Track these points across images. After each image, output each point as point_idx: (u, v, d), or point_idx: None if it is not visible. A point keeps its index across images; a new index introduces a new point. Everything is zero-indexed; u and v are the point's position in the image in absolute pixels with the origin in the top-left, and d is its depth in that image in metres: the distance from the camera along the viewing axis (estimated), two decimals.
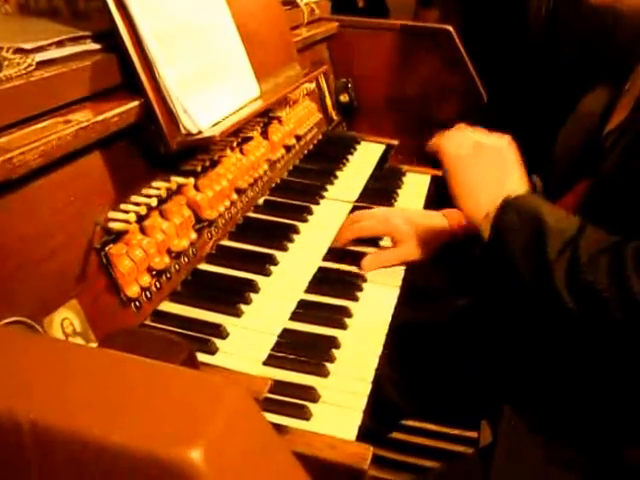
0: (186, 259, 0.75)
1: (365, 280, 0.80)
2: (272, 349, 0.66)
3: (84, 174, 0.63)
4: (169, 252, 0.71)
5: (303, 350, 0.65)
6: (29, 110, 0.57)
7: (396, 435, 1.18)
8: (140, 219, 0.67)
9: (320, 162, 1.12)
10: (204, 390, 0.31)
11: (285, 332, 0.69)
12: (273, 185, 1.00)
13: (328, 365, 0.63)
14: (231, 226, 0.87)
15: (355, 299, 0.76)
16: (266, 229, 0.89)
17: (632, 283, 0.54)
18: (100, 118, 0.62)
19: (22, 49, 0.61)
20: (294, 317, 0.72)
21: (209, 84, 0.79)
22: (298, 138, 1.09)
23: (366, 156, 1.21)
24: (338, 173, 1.10)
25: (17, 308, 0.52)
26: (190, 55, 0.77)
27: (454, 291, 0.99)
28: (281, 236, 0.87)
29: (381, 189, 1.08)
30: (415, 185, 1.14)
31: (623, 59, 0.78)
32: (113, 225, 0.64)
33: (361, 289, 0.78)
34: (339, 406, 0.59)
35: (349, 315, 0.72)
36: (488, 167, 0.70)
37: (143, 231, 0.68)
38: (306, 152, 1.14)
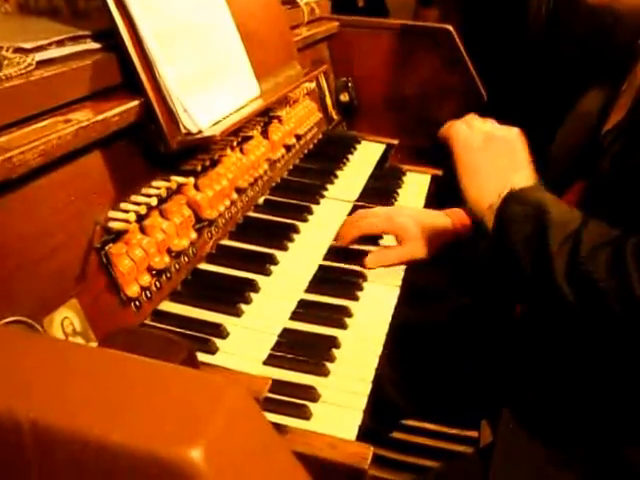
0: (186, 259, 0.75)
1: (365, 280, 0.80)
2: (272, 349, 0.66)
3: (84, 173, 0.63)
4: (169, 252, 0.70)
5: (303, 350, 0.65)
6: (29, 109, 0.57)
7: (396, 435, 1.18)
8: (140, 218, 0.67)
9: (320, 161, 1.12)
10: (204, 389, 0.31)
11: (285, 332, 0.69)
12: (273, 185, 1.00)
13: (328, 365, 0.63)
14: (231, 226, 0.87)
15: (355, 299, 0.76)
16: (266, 229, 0.89)
17: (632, 279, 0.54)
18: (100, 117, 0.62)
19: (22, 48, 0.61)
20: (294, 317, 0.72)
21: (209, 83, 0.79)
22: (298, 137, 1.09)
23: (366, 155, 1.21)
24: (338, 172, 1.10)
25: (17, 308, 0.52)
26: (190, 54, 0.77)
27: (454, 291, 0.99)
28: (281, 236, 0.87)
29: (381, 189, 1.08)
30: (415, 185, 1.14)
31: (621, 59, 0.78)
32: (113, 224, 0.64)
33: (361, 289, 0.78)
34: (339, 406, 0.59)
35: (349, 315, 0.72)
36: (496, 158, 0.70)
37: (143, 231, 0.68)
38: (306, 151, 1.14)
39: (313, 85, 1.22)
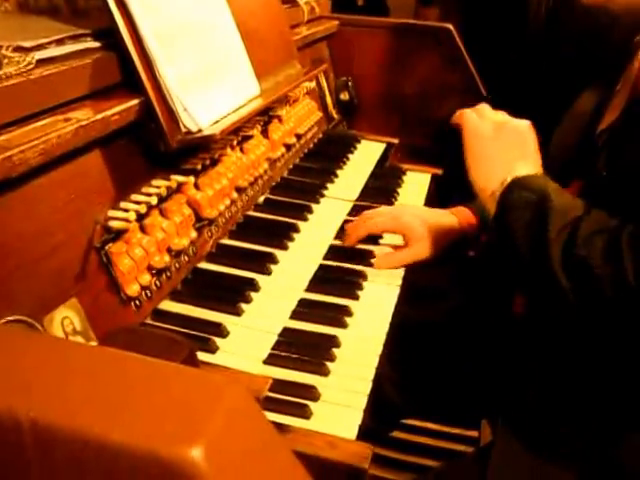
0: (186, 258, 0.75)
1: (366, 279, 0.80)
2: (272, 348, 0.66)
3: (84, 172, 0.63)
4: (169, 251, 0.70)
5: (303, 349, 0.65)
6: (29, 108, 0.57)
7: (397, 434, 1.18)
8: (140, 218, 0.67)
9: (320, 161, 1.12)
10: (204, 388, 0.31)
11: (285, 331, 0.69)
12: (273, 184, 1.00)
13: (328, 364, 0.63)
14: (231, 225, 0.87)
15: (356, 298, 0.76)
16: (266, 228, 0.89)
17: (626, 268, 0.54)
18: (100, 116, 0.62)
19: (22, 47, 0.61)
20: (294, 316, 0.72)
21: (209, 82, 0.79)
22: (298, 137, 1.09)
23: (366, 155, 1.21)
24: (338, 172, 1.10)
25: (17, 307, 0.52)
26: (190, 53, 0.76)
27: (454, 291, 0.99)
28: (281, 235, 0.86)
29: (381, 188, 1.08)
30: (415, 184, 1.14)
31: (617, 58, 0.79)
32: (113, 224, 0.64)
33: (362, 288, 0.78)
34: (339, 405, 0.59)
35: (349, 314, 0.72)
36: (505, 147, 0.70)
37: (143, 230, 0.68)
38: (306, 151, 1.14)
39: (313, 84, 1.22)
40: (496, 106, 0.77)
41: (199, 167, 0.78)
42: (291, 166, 1.07)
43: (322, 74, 1.28)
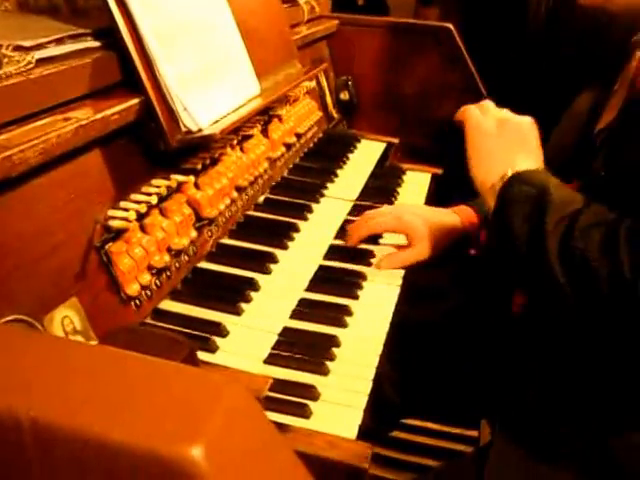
0: (186, 257, 0.75)
1: (365, 279, 0.80)
2: (272, 347, 0.65)
3: (84, 172, 0.63)
4: (169, 250, 0.70)
5: (303, 348, 0.65)
6: (29, 108, 0.57)
7: (397, 434, 1.18)
8: (140, 217, 0.67)
9: (320, 160, 1.12)
10: (205, 388, 0.31)
11: (285, 330, 0.69)
12: (273, 183, 1.00)
13: (328, 363, 0.63)
14: (231, 224, 0.87)
15: (355, 297, 0.76)
16: (266, 227, 0.89)
17: (623, 262, 0.54)
18: (100, 116, 0.62)
19: (22, 46, 0.61)
20: (294, 315, 0.72)
21: (209, 82, 0.79)
22: (298, 136, 1.09)
23: (366, 154, 1.21)
24: (338, 171, 1.10)
25: (17, 306, 0.52)
26: (190, 53, 0.76)
27: (454, 291, 0.99)
28: (281, 234, 0.86)
29: (381, 187, 1.08)
30: (415, 183, 1.13)
31: (615, 58, 0.79)
32: (113, 223, 0.63)
33: (361, 287, 0.78)
34: (339, 404, 0.59)
35: (349, 314, 0.72)
36: (507, 141, 0.70)
37: (143, 229, 0.68)
38: (306, 150, 1.14)
39: (313, 84, 1.22)
40: (497, 105, 0.78)
41: (199, 166, 0.78)
42: (291, 166, 1.07)
43: (322, 73, 1.28)
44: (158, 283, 0.69)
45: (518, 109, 0.76)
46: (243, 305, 0.72)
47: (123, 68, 0.69)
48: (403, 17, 1.45)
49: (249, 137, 0.93)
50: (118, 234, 0.64)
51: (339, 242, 0.88)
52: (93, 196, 0.64)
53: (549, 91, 1.41)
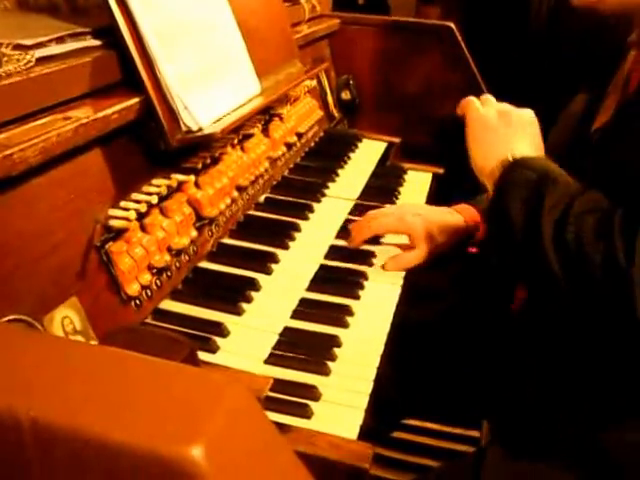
0: (187, 257, 0.74)
1: (367, 278, 0.80)
2: (273, 347, 0.65)
3: (84, 171, 0.63)
4: (169, 250, 0.70)
5: (304, 348, 0.65)
6: (28, 107, 0.57)
7: (398, 434, 1.17)
8: (140, 217, 0.67)
9: (321, 160, 1.12)
10: (205, 388, 0.31)
11: (286, 330, 0.68)
12: (274, 183, 1.00)
13: (329, 364, 0.63)
14: (232, 224, 0.87)
15: (357, 297, 0.76)
16: (267, 227, 0.89)
17: (617, 246, 0.54)
18: (100, 115, 0.62)
19: (22, 45, 0.61)
20: (295, 315, 0.71)
21: (210, 81, 0.79)
22: (299, 135, 1.09)
23: (367, 154, 1.21)
24: (339, 171, 1.10)
25: (17, 306, 0.52)
26: (191, 52, 0.76)
27: (455, 291, 0.99)
28: (282, 234, 0.86)
29: (382, 187, 1.08)
30: (417, 183, 1.13)
31: (611, 58, 0.79)
32: (113, 223, 0.63)
33: (363, 287, 0.78)
34: (341, 405, 0.59)
35: (351, 313, 0.72)
36: (508, 129, 0.70)
37: (143, 229, 0.68)
38: (307, 150, 1.14)
39: (314, 83, 1.22)
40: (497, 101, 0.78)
41: (199, 166, 0.78)
42: (292, 165, 1.07)
43: (323, 73, 1.28)
44: (158, 283, 0.69)
45: (519, 107, 0.76)
46: (244, 305, 0.71)
47: (123, 67, 0.68)
48: (404, 16, 1.45)
49: (250, 136, 0.92)
50: (118, 234, 0.64)
51: (340, 242, 0.88)
52: (93, 195, 0.64)
53: (550, 90, 1.41)
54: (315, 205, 0.96)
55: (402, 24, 1.33)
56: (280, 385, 0.59)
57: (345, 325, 0.70)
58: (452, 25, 1.27)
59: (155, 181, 0.72)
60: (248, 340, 0.66)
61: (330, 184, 1.04)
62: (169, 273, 0.71)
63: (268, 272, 0.78)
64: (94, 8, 0.79)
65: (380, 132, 1.29)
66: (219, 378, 0.31)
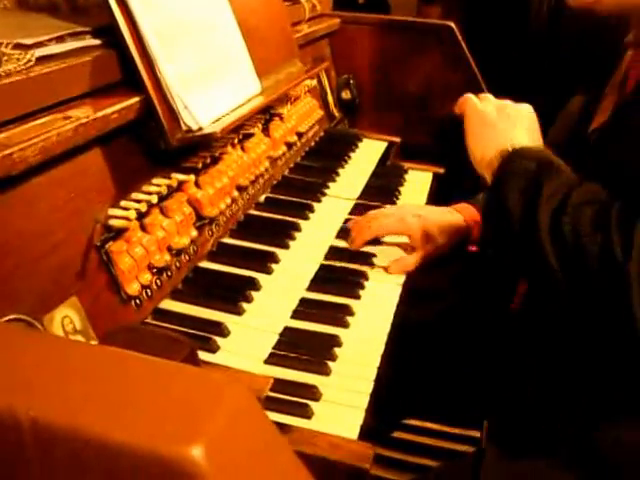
0: (187, 257, 0.74)
1: (367, 278, 0.80)
2: (273, 347, 0.65)
3: (84, 171, 0.63)
4: (170, 249, 0.70)
5: (305, 348, 0.65)
6: (28, 106, 0.57)
7: (398, 434, 1.17)
8: (140, 216, 0.67)
9: (322, 159, 1.11)
10: (206, 387, 0.31)
11: (287, 330, 0.68)
12: (274, 182, 1.00)
13: (330, 363, 0.63)
14: (232, 223, 0.86)
15: (357, 297, 0.76)
16: (267, 227, 0.89)
17: (614, 239, 0.54)
18: (100, 114, 0.61)
19: (21, 44, 0.61)
20: (296, 315, 0.71)
21: (210, 80, 0.79)
22: (299, 135, 1.09)
23: (368, 153, 1.21)
24: (340, 170, 1.10)
25: (17, 305, 0.52)
26: (191, 51, 0.76)
27: (455, 291, 0.99)
28: (282, 234, 0.86)
29: (383, 187, 1.08)
30: (417, 182, 1.13)
31: (607, 59, 0.79)
32: (113, 222, 0.63)
33: (363, 287, 0.78)
34: (341, 405, 0.59)
35: (351, 313, 0.72)
36: (507, 122, 0.71)
37: (143, 228, 0.68)
38: (307, 149, 1.14)
39: (314, 82, 1.22)
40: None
41: (200, 165, 0.78)
42: (292, 165, 1.06)
43: (323, 72, 1.28)
44: (158, 282, 0.69)
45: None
46: (244, 305, 0.71)
47: (123, 66, 0.68)
48: (405, 15, 1.44)
49: (250, 136, 0.92)
50: (118, 233, 0.64)
51: (341, 242, 0.88)
52: (93, 195, 0.64)
53: (550, 90, 1.41)
54: (315, 205, 0.96)
55: (402, 24, 1.33)
56: (280, 385, 0.59)
57: (345, 325, 0.70)
58: (452, 25, 1.27)
59: (155, 181, 0.72)
60: (248, 340, 0.66)
61: (330, 184, 1.04)
62: (169, 273, 0.71)
63: (268, 272, 0.78)
64: (94, 7, 0.79)
65: (380, 132, 1.29)
66: (219, 378, 0.31)
